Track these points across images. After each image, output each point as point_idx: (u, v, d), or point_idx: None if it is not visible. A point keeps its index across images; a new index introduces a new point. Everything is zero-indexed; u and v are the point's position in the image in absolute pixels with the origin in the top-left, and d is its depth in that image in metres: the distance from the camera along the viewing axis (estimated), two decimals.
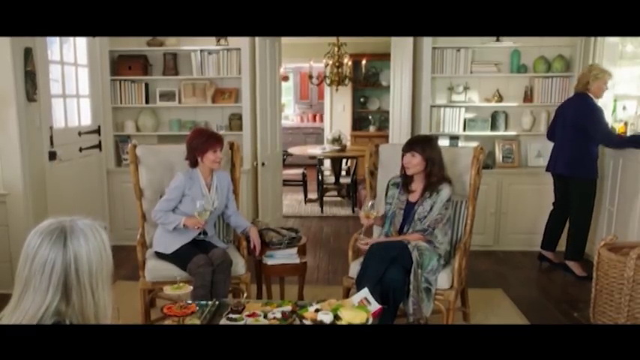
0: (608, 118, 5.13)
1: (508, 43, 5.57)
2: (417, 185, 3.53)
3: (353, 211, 7.37)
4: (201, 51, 5.65)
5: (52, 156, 4.69)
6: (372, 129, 10.34)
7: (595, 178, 4.69)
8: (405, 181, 3.57)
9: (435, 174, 3.47)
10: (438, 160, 3.49)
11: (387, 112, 7.41)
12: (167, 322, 2.78)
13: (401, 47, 5.89)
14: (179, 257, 3.51)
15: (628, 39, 5.12)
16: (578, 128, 4.61)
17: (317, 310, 2.79)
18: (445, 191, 3.44)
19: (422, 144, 3.48)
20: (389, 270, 3.25)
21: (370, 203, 3.45)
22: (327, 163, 8.85)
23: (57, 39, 4.88)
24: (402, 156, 3.53)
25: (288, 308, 2.90)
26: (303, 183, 8.04)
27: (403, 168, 3.54)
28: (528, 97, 5.60)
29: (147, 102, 5.80)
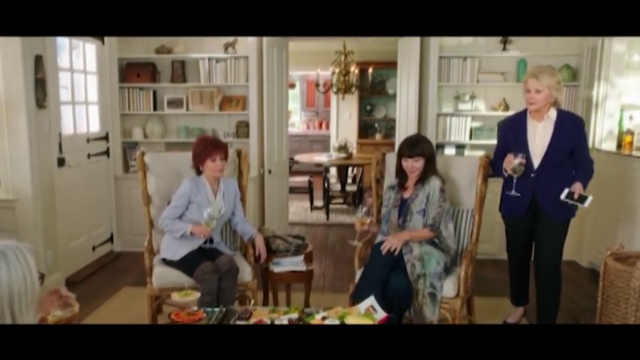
0: (614, 127, 5.13)
1: (514, 52, 5.59)
2: (411, 182, 3.59)
3: None
4: (209, 59, 5.71)
5: (61, 162, 4.74)
6: (378, 137, 10.36)
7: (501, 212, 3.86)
8: (401, 181, 3.62)
9: (430, 168, 3.53)
10: (435, 157, 3.59)
11: (394, 120, 7.44)
12: None
13: (407, 55, 5.91)
14: (186, 264, 3.53)
15: (635, 48, 5.13)
16: None
17: (324, 318, 2.81)
18: (435, 181, 3.49)
19: (421, 146, 3.52)
20: (393, 276, 3.27)
21: (364, 210, 3.49)
22: (333, 170, 8.87)
23: (67, 46, 4.94)
24: (401, 160, 3.56)
25: (294, 315, 2.91)
26: (309, 190, 8.05)
27: (400, 170, 3.59)
28: None
29: (155, 109, 5.85)
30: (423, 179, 3.52)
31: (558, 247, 3.63)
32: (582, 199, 3.35)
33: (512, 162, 3.41)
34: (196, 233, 3.51)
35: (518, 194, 3.51)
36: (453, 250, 3.54)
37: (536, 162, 3.49)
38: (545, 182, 3.48)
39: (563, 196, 3.36)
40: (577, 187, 3.37)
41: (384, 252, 3.32)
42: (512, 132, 3.59)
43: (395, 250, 3.31)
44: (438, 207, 3.45)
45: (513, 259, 3.94)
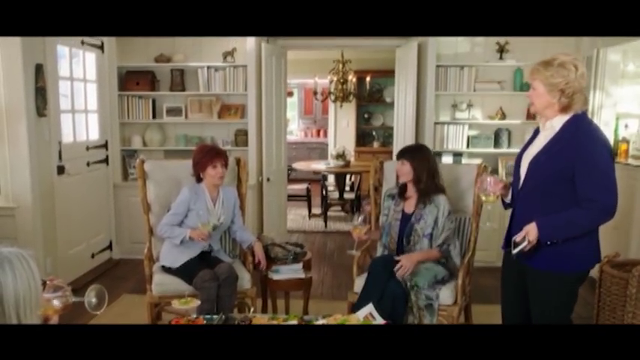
0: (610, 136, 5.17)
1: (511, 61, 5.64)
2: (411, 193, 3.57)
3: None
4: (208, 67, 5.74)
5: (61, 170, 4.77)
6: (375, 145, 10.41)
7: None
8: (401, 191, 3.62)
9: (423, 182, 3.47)
10: (427, 168, 3.48)
11: (391, 128, 7.49)
12: None
13: (405, 64, 5.96)
14: (185, 272, 3.54)
15: (630, 58, 5.18)
16: None
17: None
18: (443, 204, 3.46)
19: (411, 152, 3.53)
20: (389, 282, 3.29)
21: (360, 218, 3.50)
22: (331, 178, 8.90)
23: (67, 55, 4.97)
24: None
25: (294, 322, 2.93)
26: (307, 198, 8.09)
27: (398, 176, 3.60)
28: (531, 114, 5.64)
29: (154, 117, 5.88)
30: (425, 196, 3.48)
31: (550, 315, 2.52)
32: (519, 244, 2.42)
33: (482, 183, 2.66)
34: (195, 237, 3.51)
35: (495, 226, 2.77)
36: (458, 267, 3.52)
37: (520, 184, 2.58)
38: (523, 215, 2.50)
39: (516, 238, 2.45)
40: (526, 230, 2.39)
41: (399, 277, 3.32)
42: (528, 142, 2.70)
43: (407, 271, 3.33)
44: (447, 229, 3.46)
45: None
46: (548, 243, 2.40)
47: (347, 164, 7.95)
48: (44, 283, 1.72)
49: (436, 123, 5.74)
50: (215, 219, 3.57)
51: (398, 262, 3.34)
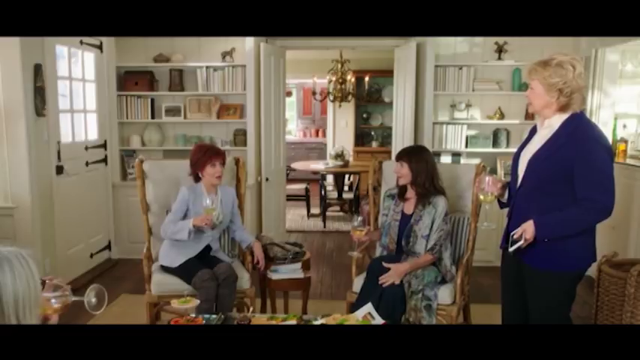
0: (608, 136, 5.18)
1: (509, 61, 5.65)
2: (411, 194, 3.55)
3: None
4: (207, 67, 5.74)
5: (59, 170, 4.77)
6: (374, 145, 10.42)
7: None
8: (401, 191, 3.60)
9: (420, 184, 3.44)
10: (425, 170, 3.44)
11: (390, 128, 7.49)
12: None
13: (404, 64, 5.97)
14: (184, 271, 3.54)
15: (628, 58, 5.19)
16: None
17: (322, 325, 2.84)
18: (442, 205, 3.43)
19: (409, 154, 3.50)
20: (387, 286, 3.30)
21: (359, 219, 3.48)
22: (330, 178, 8.91)
23: (66, 55, 4.97)
24: None
25: (293, 322, 2.94)
26: (306, 198, 8.09)
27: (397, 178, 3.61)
28: (530, 114, 5.66)
29: (153, 117, 5.88)
30: (424, 198, 3.45)
31: (548, 313, 2.56)
32: (516, 241, 2.47)
33: (481, 182, 2.70)
34: (198, 224, 3.44)
35: (493, 226, 2.80)
36: (450, 273, 3.48)
37: (519, 183, 2.61)
38: (521, 214, 2.53)
39: (514, 235, 2.49)
40: (523, 228, 2.44)
41: (383, 286, 3.29)
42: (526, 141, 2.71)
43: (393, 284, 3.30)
44: (439, 230, 3.41)
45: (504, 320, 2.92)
46: (545, 240, 2.44)
47: (346, 164, 7.97)
48: (43, 283, 1.72)
49: (435, 123, 5.75)
50: (214, 218, 3.56)
51: (388, 269, 3.33)
